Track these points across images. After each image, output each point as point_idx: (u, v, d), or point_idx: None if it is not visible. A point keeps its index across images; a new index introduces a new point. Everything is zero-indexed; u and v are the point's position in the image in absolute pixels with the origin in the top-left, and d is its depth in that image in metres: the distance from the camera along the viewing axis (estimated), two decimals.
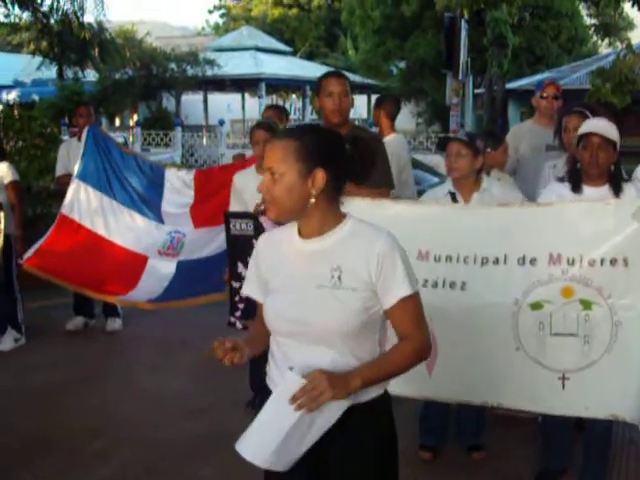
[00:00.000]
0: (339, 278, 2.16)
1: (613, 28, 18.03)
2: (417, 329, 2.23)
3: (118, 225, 5.82)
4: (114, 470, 4.12)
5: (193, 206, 5.68)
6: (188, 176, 5.87)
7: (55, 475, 4.07)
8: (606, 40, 27.54)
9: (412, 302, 2.20)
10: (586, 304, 3.35)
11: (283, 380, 2.12)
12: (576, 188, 3.74)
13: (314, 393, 2.04)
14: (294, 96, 36.39)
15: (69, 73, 21.91)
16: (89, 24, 19.57)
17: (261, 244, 2.37)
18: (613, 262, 3.32)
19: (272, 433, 2.11)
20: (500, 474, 4.05)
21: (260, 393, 4.68)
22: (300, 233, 2.25)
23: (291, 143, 2.16)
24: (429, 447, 4.17)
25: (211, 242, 5.50)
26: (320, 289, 2.16)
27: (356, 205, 3.66)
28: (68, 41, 18.89)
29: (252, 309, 4.61)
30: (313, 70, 26.64)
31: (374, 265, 2.15)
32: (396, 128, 5.77)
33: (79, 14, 11.97)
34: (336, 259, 2.17)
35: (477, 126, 22.82)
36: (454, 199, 3.94)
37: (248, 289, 2.42)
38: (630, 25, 32.40)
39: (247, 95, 33.09)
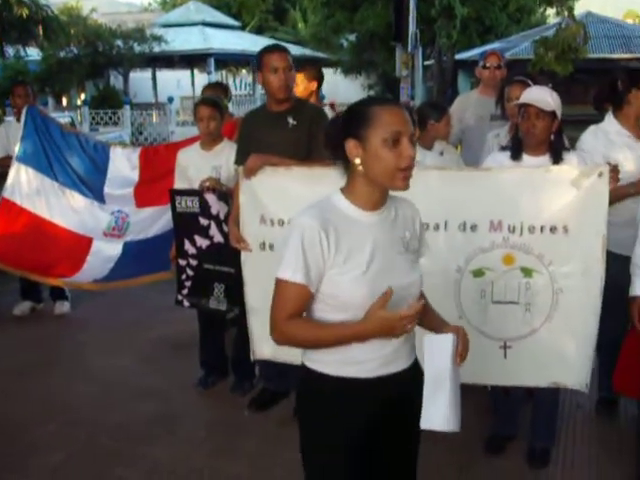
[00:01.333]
0: (408, 243, 2.31)
1: None
2: None
3: (61, 207, 5.73)
4: (66, 453, 4.08)
5: (137, 186, 5.59)
6: (133, 154, 5.78)
7: (6, 461, 4.01)
8: (554, 10, 27.71)
9: None
10: (527, 272, 3.38)
11: (438, 344, 2.22)
12: (516, 156, 3.70)
13: (466, 341, 2.26)
14: (244, 71, 36.00)
15: (10, 51, 21.29)
16: (30, 1, 19.11)
17: (319, 225, 2.15)
18: (553, 229, 3.34)
19: (457, 394, 2.22)
20: (449, 442, 4.05)
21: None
22: (361, 206, 2.23)
23: None
24: None
25: (158, 221, 5.45)
26: (401, 255, 2.27)
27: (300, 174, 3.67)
28: (8, 18, 18.38)
29: (199, 286, 4.62)
30: (262, 44, 25.95)
31: (418, 224, 2.40)
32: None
33: None
34: (401, 225, 2.31)
35: (427, 97, 22.83)
36: None
37: (302, 277, 2.16)
38: None
39: (197, 71, 32.61)
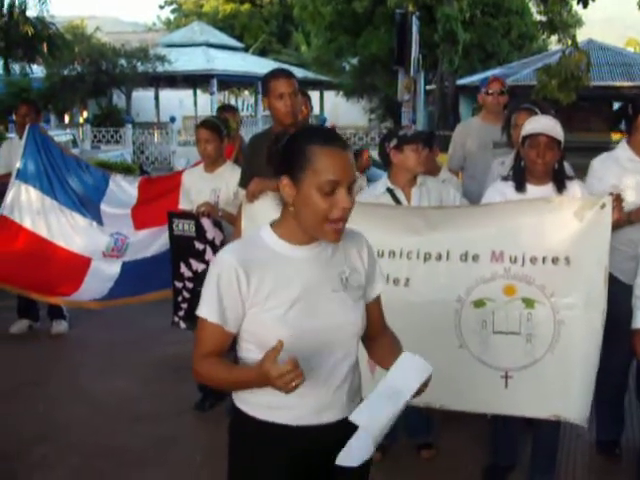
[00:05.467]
0: (347, 279, 2.15)
1: (562, 25, 18.24)
2: (385, 321, 2.37)
3: (60, 227, 5.71)
4: (59, 477, 4.03)
5: (135, 207, 5.59)
6: (133, 184, 5.81)
7: None
8: (555, 37, 27.94)
9: (381, 296, 2.33)
10: (528, 302, 3.36)
11: (417, 366, 2.06)
12: (520, 187, 3.64)
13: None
14: (246, 92, 36.20)
15: (16, 68, 21.42)
16: (36, 18, 19.24)
17: (237, 263, 2.04)
18: (555, 261, 3.32)
19: (390, 407, 2.03)
20: (449, 472, 4.04)
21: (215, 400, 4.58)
22: (290, 240, 2.10)
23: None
24: (378, 447, 4.13)
25: (157, 240, 5.43)
26: (336, 293, 2.13)
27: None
28: (14, 36, 18.50)
29: (195, 309, 4.57)
30: (265, 66, 26.30)
31: (366, 259, 2.23)
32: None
33: (22, 8, 11.68)
34: (340, 261, 2.16)
35: (428, 122, 22.97)
36: (393, 195, 3.87)
37: (217, 317, 2.06)
38: (579, 22, 32.93)
39: (199, 91, 32.83)
